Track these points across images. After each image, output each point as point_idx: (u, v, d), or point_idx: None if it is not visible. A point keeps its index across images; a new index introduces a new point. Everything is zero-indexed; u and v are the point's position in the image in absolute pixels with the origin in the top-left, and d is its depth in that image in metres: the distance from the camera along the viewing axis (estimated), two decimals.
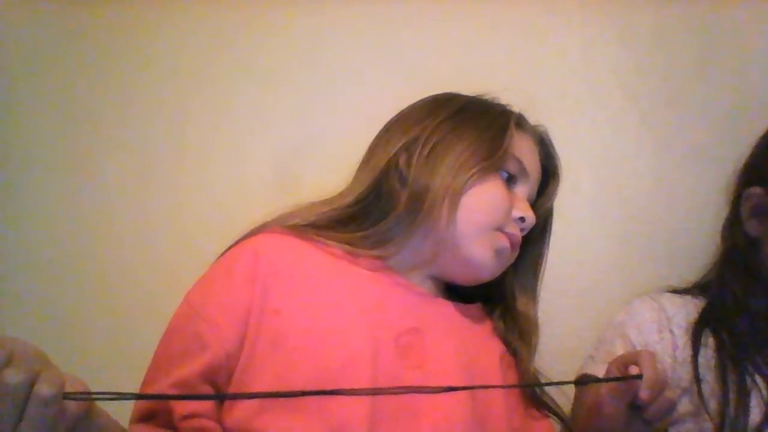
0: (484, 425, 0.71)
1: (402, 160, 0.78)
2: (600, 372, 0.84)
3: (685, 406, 0.80)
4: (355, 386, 0.64)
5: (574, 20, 1.11)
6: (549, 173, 0.86)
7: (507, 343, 0.81)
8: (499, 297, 0.85)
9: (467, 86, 1.10)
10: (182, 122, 1.10)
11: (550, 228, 0.87)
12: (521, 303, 0.83)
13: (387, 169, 0.78)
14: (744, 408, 0.75)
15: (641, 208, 1.06)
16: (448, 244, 0.75)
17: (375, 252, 0.76)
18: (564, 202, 1.01)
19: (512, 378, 0.79)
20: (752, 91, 1.08)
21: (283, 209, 0.86)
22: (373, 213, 0.78)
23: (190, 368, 0.67)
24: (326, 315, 0.71)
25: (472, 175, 0.75)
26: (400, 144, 0.79)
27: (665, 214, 1.06)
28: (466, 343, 0.76)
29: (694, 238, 1.00)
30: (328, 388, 0.60)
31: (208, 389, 0.68)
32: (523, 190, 0.81)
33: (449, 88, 1.09)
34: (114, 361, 1.04)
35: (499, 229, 0.77)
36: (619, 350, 0.84)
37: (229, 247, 0.78)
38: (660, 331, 0.84)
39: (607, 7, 1.11)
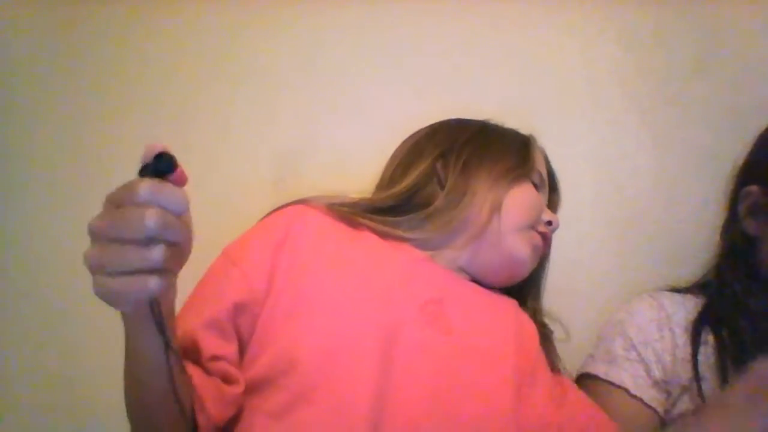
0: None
1: (439, 166, 0.86)
2: (600, 371, 0.85)
3: (685, 404, 0.80)
4: (365, 357, 0.69)
5: (574, 20, 1.11)
6: (552, 189, 0.96)
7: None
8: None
9: (467, 86, 1.10)
10: (182, 122, 1.10)
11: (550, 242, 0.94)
12: (532, 309, 0.90)
13: (425, 174, 0.86)
14: None
15: (641, 208, 1.06)
16: (490, 240, 0.83)
17: (407, 234, 0.82)
18: (564, 202, 1.01)
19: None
20: (752, 91, 1.08)
21: None
22: (410, 209, 0.85)
23: (220, 306, 0.72)
24: (347, 284, 0.75)
25: (510, 180, 0.85)
26: (436, 153, 0.87)
27: (665, 214, 1.06)
28: (493, 317, 0.81)
29: (694, 238, 1.00)
30: (338, 356, 0.67)
31: (233, 333, 0.72)
32: (544, 199, 0.90)
33: (449, 88, 1.10)
34: (113, 361, 1.04)
35: (534, 228, 0.86)
36: (619, 349, 0.85)
37: (270, 212, 0.85)
38: (660, 330, 0.84)
39: (607, 7, 1.11)
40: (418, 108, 1.08)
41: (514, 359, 0.76)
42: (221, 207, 1.06)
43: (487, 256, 0.84)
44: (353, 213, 0.83)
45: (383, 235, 0.82)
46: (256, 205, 1.06)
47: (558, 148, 1.02)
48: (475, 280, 0.86)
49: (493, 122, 0.95)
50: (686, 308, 0.86)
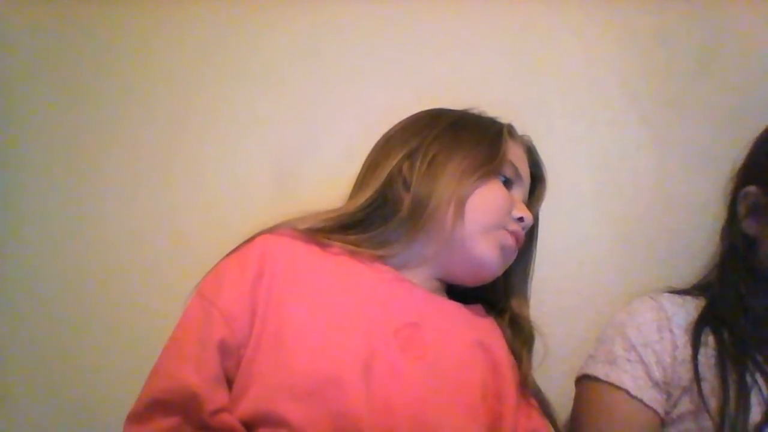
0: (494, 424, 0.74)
1: (405, 168, 0.83)
2: (600, 373, 0.85)
3: (685, 405, 0.80)
4: (350, 381, 0.68)
5: (575, 20, 1.11)
6: (536, 180, 0.92)
7: (510, 348, 0.84)
8: (495, 301, 0.89)
9: (467, 86, 1.10)
10: (181, 122, 1.10)
11: (537, 231, 0.92)
12: (517, 305, 0.88)
13: (391, 177, 0.83)
14: (744, 407, 0.75)
15: (641, 208, 1.06)
16: (455, 244, 0.80)
17: (378, 252, 0.80)
18: (564, 202, 1.01)
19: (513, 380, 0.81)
20: (752, 91, 1.08)
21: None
22: (378, 217, 0.82)
23: (208, 353, 0.71)
24: (326, 311, 0.74)
25: (476, 179, 0.80)
26: (402, 153, 0.84)
27: (665, 214, 1.06)
28: (465, 339, 0.79)
29: (694, 238, 1.00)
30: (324, 380, 0.66)
31: (224, 378, 0.71)
32: (519, 194, 0.87)
33: (449, 88, 1.10)
34: (112, 360, 1.04)
35: (503, 227, 0.82)
36: (619, 350, 0.84)
37: (238, 246, 0.81)
38: (660, 331, 0.84)
39: (607, 7, 1.11)
40: (418, 108, 1.08)
41: (482, 386, 0.76)
42: (221, 207, 1.06)
43: (454, 260, 0.82)
44: (322, 235, 0.81)
45: (354, 254, 0.80)
46: (256, 206, 1.06)
47: (558, 148, 1.02)
48: (450, 286, 0.86)
49: (470, 113, 0.91)
50: (686, 309, 0.86)
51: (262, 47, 1.11)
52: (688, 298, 0.88)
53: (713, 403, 0.77)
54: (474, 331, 0.81)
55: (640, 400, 0.82)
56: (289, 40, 1.11)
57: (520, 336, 0.86)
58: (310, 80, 1.10)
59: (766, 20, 1.10)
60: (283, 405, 0.67)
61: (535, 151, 0.92)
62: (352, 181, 0.95)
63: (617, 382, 0.83)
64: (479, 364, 0.78)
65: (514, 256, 0.86)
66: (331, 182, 1.05)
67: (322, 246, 0.80)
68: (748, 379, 0.76)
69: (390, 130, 0.90)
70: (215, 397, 0.69)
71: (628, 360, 0.83)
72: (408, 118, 0.91)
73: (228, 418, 0.68)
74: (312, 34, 1.11)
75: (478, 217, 0.80)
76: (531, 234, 0.90)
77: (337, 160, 1.07)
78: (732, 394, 0.76)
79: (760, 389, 0.76)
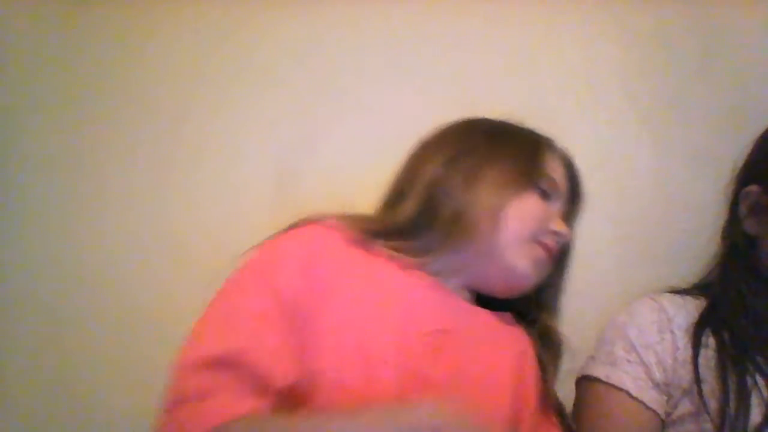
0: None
1: (443, 176, 0.82)
2: (601, 374, 0.85)
3: (685, 406, 0.80)
4: (381, 376, 0.70)
5: (574, 20, 1.11)
6: (574, 195, 0.91)
7: (538, 359, 0.85)
8: (525, 311, 0.88)
9: (467, 86, 1.10)
10: (182, 122, 1.10)
11: (571, 247, 0.91)
12: (549, 318, 0.88)
13: (430, 185, 0.82)
14: (744, 408, 0.75)
15: (641, 208, 1.06)
16: (490, 254, 0.80)
17: (417, 260, 0.80)
18: None
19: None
20: (752, 91, 1.08)
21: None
22: (418, 226, 0.82)
23: (267, 323, 0.70)
24: (362, 312, 0.74)
25: (514, 189, 0.81)
26: (440, 161, 0.83)
27: (665, 214, 1.06)
28: (495, 349, 0.80)
29: (695, 238, 1.00)
30: (356, 372, 0.68)
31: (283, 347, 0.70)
32: (556, 207, 0.86)
33: (449, 88, 1.10)
34: (113, 360, 1.04)
35: (538, 240, 0.82)
36: (620, 351, 0.84)
37: (288, 229, 0.81)
38: (660, 332, 0.84)
39: (607, 7, 1.11)
40: (418, 108, 1.08)
41: (511, 396, 0.77)
42: (221, 207, 1.06)
43: (488, 271, 0.82)
44: (367, 239, 0.80)
45: (393, 259, 0.80)
46: (256, 205, 1.06)
47: None
48: (483, 296, 0.86)
49: (509, 122, 0.90)
50: (687, 310, 0.86)
51: (262, 48, 1.11)
52: (689, 298, 0.88)
53: (713, 404, 0.77)
54: (504, 340, 0.82)
55: (641, 402, 0.81)
56: (289, 40, 1.11)
57: (549, 349, 0.86)
58: (310, 80, 1.10)
59: (766, 20, 1.10)
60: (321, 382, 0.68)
61: (575, 166, 0.91)
62: (352, 181, 0.95)
63: (618, 383, 0.83)
64: (508, 373, 0.79)
65: (548, 270, 0.85)
66: (330, 182, 1.06)
67: (366, 247, 0.80)
68: (749, 380, 0.76)
69: (426, 137, 0.89)
70: (278, 366, 0.68)
71: (629, 361, 0.83)
72: (445, 126, 0.89)
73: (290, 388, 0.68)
74: (312, 35, 1.11)
75: (515, 228, 0.80)
76: (566, 248, 0.89)
77: (337, 160, 1.07)
78: (732, 395, 0.76)
79: (760, 390, 0.76)
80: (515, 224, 0.80)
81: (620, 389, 0.82)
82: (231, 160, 1.09)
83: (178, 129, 1.10)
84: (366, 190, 0.96)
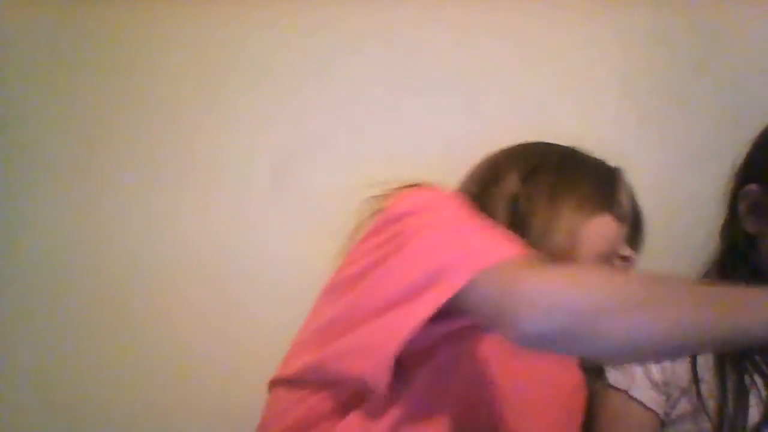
0: None
1: (523, 194, 0.82)
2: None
3: (684, 406, 0.80)
4: None
5: (574, 20, 1.11)
6: (636, 227, 0.92)
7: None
8: None
9: (467, 86, 1.10)
10: (182, 122, 1.10)
11: None
12: None
13: (508, 195, 0.82)
14: (743, 407, 0.75)
15: (641, 208, 1.06)
16: None
17: None
18: None
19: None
20: (752, 90, 1.07)
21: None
22: None
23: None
24: None
25: (593, 209, 0.82)
26: (517, 177, 0.83)
27: (665, 213, 1.05)
28: (563, 376, 0.80)
29: (694, 237, 1.00)
30: None
31: None
32: (623, 234, 0.86)
33: (448, 88, 1.10)
34: (114, 360, 1.04)
35: (608, 262, 0.83)
36: None
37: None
38: None
39: (607, 7, 1.10)
40: (418, 108, 1.08)
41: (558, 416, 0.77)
42: (221, 207, 1.07)
43: None
44: None
45: None
46: (256, 205, 1.06)
47: None
48: None
49: (578, 149, 0.91)
50: None
51: (261, 48, 1.11)
52: None
53: (712, 404, 0.77)
54: (574, 371, 0.82)
55: (640, 402, 0.82)
56: (288, 40, 1.11)
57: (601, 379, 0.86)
58: (311, 80, 1.10)
59: (766, 19, 1.10)
60: None
61: (637, 200, 0.92)
62: (352, 181, 0.94)
63: (616, 384, 0.83)
64: (568, 403, 0.80)
65: None
66: (330, 182, 1.06)
67: None
68: (747, 379, 0.76)
69: (495, 153, 0.89)
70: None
71: None
72: (513, 145, 0.90)
73: None
74: (313, 35, 1.11)
75: (590, 247, 0.81)
76: None
77: (337, 160, 1.07)
78: (730, 394, 0.76)
79: (758, 390, 0.76)
80: (591, 242, 0.81)
81: (619, 390, 0.83)
82: (229, 160, 1.09)
83: (177, 129, 1.10)
84: (366, 190, 0.96)
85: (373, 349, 0.63)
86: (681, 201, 1.06)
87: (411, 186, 0.77)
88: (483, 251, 0.61)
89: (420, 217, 0.68)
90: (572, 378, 0.82)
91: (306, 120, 1.09)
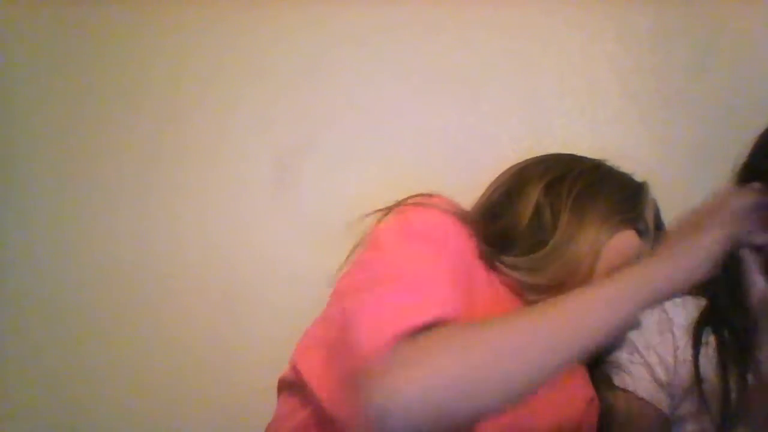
0: None
1: (548, 198, 0.82)
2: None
3: (687, 406, 0.80)
4: None
5: (574, 20, 1.11)
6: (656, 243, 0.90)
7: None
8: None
9: (467, 86, 1.10)
10: (182, 122, 1.10)
11: None
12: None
13: (534, 203, 0.82)
14: (745, 407, 0.75)
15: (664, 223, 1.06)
16: (582, 283, 0.77)
17: (525, 278, 0.79)
18: None
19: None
20: (751, 90, 1.07)
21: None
22: (517, 243, 0.80)
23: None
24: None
25: (618, 222, 0.81)
26: (545, 182, 0.83)
27: (665, 213, 1.05)
28: (577, 392, 0.80)
29: None
30: None
31: None
32: (645, 248, 0.85)
33: (448, 88, 1.10)
34: (113, 360, 1.04)
35: None
36: (623, 353, 0.84)
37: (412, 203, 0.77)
38: (661, 333, 0.84)
39: (607, 7, 1.10)
40: (418, 108, 1.08)
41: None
42: (221, 207, 1.06)
43: None
44: (490, 254, 0.79)
45: (503, 283, 0.79)
46: (256, 206, 1.06)
47: (558, 147, 1.01)
48: None
49: (604, 162, 0.91)
50: (687, 310, 0.86)
51: (263, 48, 1.11)
52: (688, 297, 0.88)
53: (714, 403, 0.77)
54: (586, 386, 0.82)
55: (648, 402, 0.82)
56: (290, 41, 1.11)
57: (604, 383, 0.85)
58: (312, 81, 1.10)
59: (765, 18, 1.10)
60: None
61: (660, 213, 0.92)
62: (352, 181, 0.94)
63: (623, 385, 0.83)
64: (582, 419, 0.79)
65: None
66: (330, 182, 1.06)
67: (488, 263, 0.78)
68: (750, 379, 0.76)
69: (520, 163, 0.89)
70: None
71: (632, 362, 0.84)
72: (541, 155, 0.90)
73: None
74: (313, 35, 1.11)
75: (610, 261, 0.80)
76: None
77: (337, 160, 1.07)
78: (733, 394, 0.76)
79: None
80: (614, 256, 0.80)
81: (626, 391, 0.83)
82: (232, 160, 1.09)
83: (179, 130, 1.10)
84: (366, 190, 0.96)
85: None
86: (681, 200, 1.05)
87: (418, 196, 0.77)
88: (372, 335, 0.58)
89: (366, 256, 0.71)
90: (586, 393, 0.81)
91: (306, 120, 1.09)
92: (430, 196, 0.78)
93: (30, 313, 1.07)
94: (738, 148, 0.90)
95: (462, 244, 0.75)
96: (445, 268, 0.67)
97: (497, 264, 0.79)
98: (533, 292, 0.79)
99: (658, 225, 0.91)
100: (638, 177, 0.90)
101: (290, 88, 1.09)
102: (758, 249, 0.67)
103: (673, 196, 1.06)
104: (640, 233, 0.85)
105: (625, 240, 0.82)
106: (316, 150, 1.08)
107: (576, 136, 1.08)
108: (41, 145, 1.11)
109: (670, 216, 1.05)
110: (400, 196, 0.84)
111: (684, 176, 1.06)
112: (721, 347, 0.80)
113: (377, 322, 0.59)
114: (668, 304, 0.86)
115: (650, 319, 0.85)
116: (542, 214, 0.81)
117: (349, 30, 1.11)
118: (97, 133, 1.10)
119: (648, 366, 0.82)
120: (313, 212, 1.04)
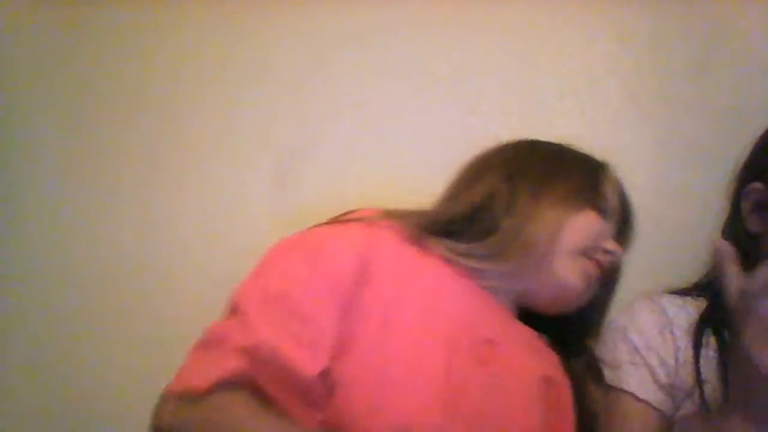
0: None
1: (503, 191, 0.82)
2: (606, 377, 0.84)
3: (687, 408, 0.80)
4: (428, 381, 0.70)
5: (574, 20, 1.11)
6: (625, 222, 0.91)
7: (579, 391, 0.85)
8: (566, 341, 0.89)
9: (466, 86, 1.10)
10: (182, 122, 1.10)
11: (618, 277, 0.91)
12: (595, 347, 0.89)
13: (490, 195, 0.82)
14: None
15: (641, 208, 1.06)
16: (542, 266, 0.81)
17: (477, 265, 0.80)
18: None
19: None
20: (751, 90, 1.08)
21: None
22: (473, 233, 0.82)
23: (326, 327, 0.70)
24: (410, 309, 0.74)
25: (574, 207, 0.82)
26: (501, 175, 0.84)
27: (665, 213, 1.06)
28: (535, 370, 0.80)
29: (695, 237, 1.00)
30: (401, 378, 0.68)
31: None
32: (608, 229, 0.86)
33: (448, 88, 1.10)
34: (114, 360, 1.04)
35: (590, 256, 0.83)
36: (623, 355, 0.84)
37: (339, 218, 0.82)
38: (662, 334, 0.84)
39: (607, 7, 1.11)
40: (418, 108, 1.08)
41: (542, 418, 0.77)
42: (221, 207, 1.06)
43: (538, 284, 0.82)
44: (423, 235, 0.80)
45: (449, 263, 0.80)
46: (256, 206, 1.06)
47: None
48: (528, 311, 0.86)
49: (566, 145, 0.92)
50: (687, 311, 0.86)
51: (263, 49, 1.11)
52: (689, 299, 0.88)
53: (715, 405, 0.76)
54: (545, 363, 0.82)
55: (648, 403, 0.81)
56: (290, 41, 1.11)
57: (600, 382, 0.86)
58: (312, 81, 1.10)
59: (764, 19, 1.10)
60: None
61: (626, 195, 0.92)
62: (352, 181, 0.94)
63: (623, 386, 0.83)
64: (543, 397, 0.79)
65: (595, 289, 0.86)
66: (330, 182, 1.06)
67: (421, 244, 0.80)
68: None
69: (485, 151, 0.90)
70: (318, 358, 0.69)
71: (633, 364, 0.83)
72: (505, 143, 0.91)
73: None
74: (313, 36, 1.11)
75: (571, 241, 0.81)
76: (613, 277, 0.90)
77: (337, 160, 1.07)
78: None
79: None
80: (573, 237, 0.81)
81: (626, 392, 0.83)
82: (233, 161, 1.09)
83: (179, 130, 1.10)
84: (366, 190, 0.96)
85: None
86: (681, 200, 1.06)
87: (346, 214, 0.81)
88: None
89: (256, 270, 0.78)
90: (535, 371, 0.80)
91: (306, 120, 1.09)
92: (352, 212, 0.81)
93: (30, 313, 1.07)
94: (738, 148, 0.90)
95: (374, 264, 0.74)
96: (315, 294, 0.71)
97: (431, 243, 0.80)
98: (492, 279, 0.80)
99: (623, 204, 0.90)
100: (599, 158, 0.90)
101: (290, 88, 1.10)
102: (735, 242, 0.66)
103: (673, 196, 1.07)
104: (602, 213, 0.85)
105: (586, 220, 0.83)
106: (316, 150, 1.08)
107: (576, 136, 1.08)
108: (41, 145, 1.11)
109: (669, 215, 1.06)
110: (400, 196, 0.84)
111: (684, 176, 1.07)
112: (722, 349, 0.80)
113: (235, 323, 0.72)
114: (668, 305, 0.86)
115: (650, 319, 0.85)
116: (500, 198, 0.82)
117: (350, 30, 1.11)
118: (97, 133, 1.10)
119: (649, 367, 0.82)
120: (313, 212, 1.04)
